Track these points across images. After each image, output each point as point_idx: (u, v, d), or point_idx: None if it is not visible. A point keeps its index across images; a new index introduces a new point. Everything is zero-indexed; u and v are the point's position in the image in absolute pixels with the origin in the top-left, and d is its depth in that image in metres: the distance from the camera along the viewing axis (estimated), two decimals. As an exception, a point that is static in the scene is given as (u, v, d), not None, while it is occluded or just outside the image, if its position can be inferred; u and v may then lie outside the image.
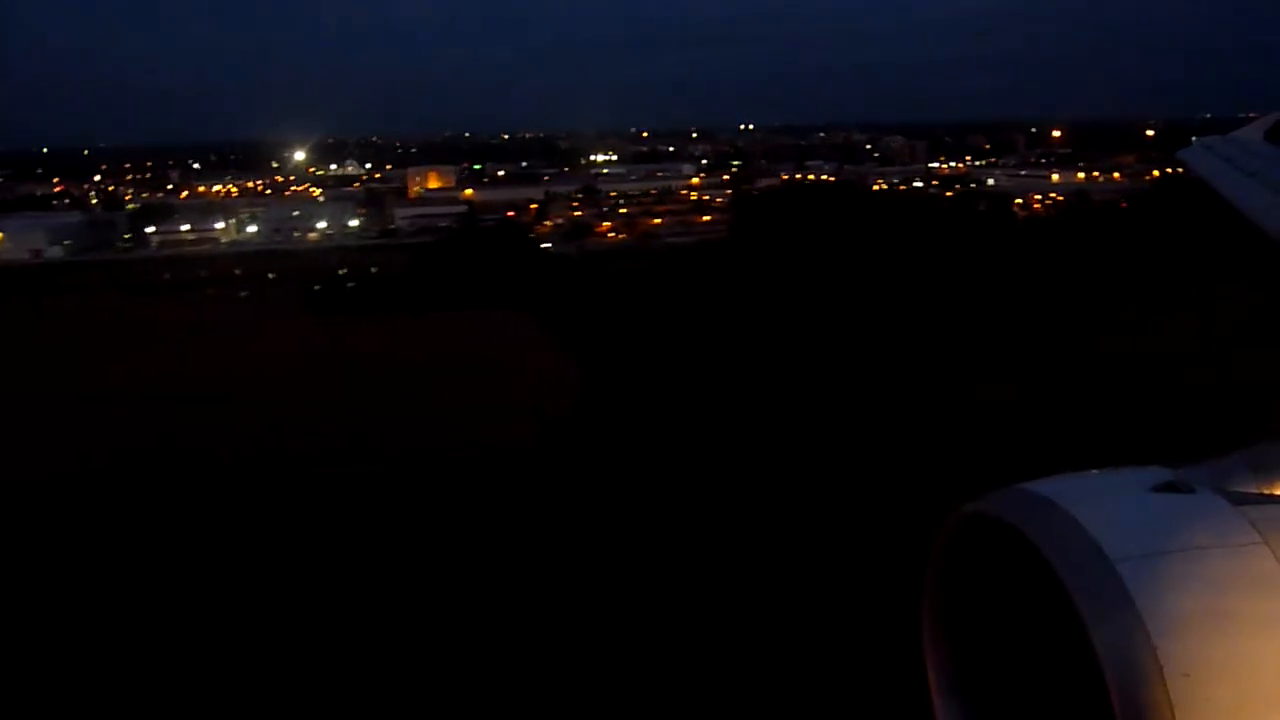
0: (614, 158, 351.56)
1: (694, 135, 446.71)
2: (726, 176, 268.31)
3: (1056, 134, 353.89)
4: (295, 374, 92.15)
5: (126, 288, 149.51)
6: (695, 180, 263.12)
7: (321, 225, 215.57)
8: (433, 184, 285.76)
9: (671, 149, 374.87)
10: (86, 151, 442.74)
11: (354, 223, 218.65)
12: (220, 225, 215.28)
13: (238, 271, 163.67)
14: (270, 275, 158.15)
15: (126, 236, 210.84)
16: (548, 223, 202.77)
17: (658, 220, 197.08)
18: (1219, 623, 3.68)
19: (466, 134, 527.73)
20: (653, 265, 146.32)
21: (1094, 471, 4.46)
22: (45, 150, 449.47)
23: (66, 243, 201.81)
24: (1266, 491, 4.24)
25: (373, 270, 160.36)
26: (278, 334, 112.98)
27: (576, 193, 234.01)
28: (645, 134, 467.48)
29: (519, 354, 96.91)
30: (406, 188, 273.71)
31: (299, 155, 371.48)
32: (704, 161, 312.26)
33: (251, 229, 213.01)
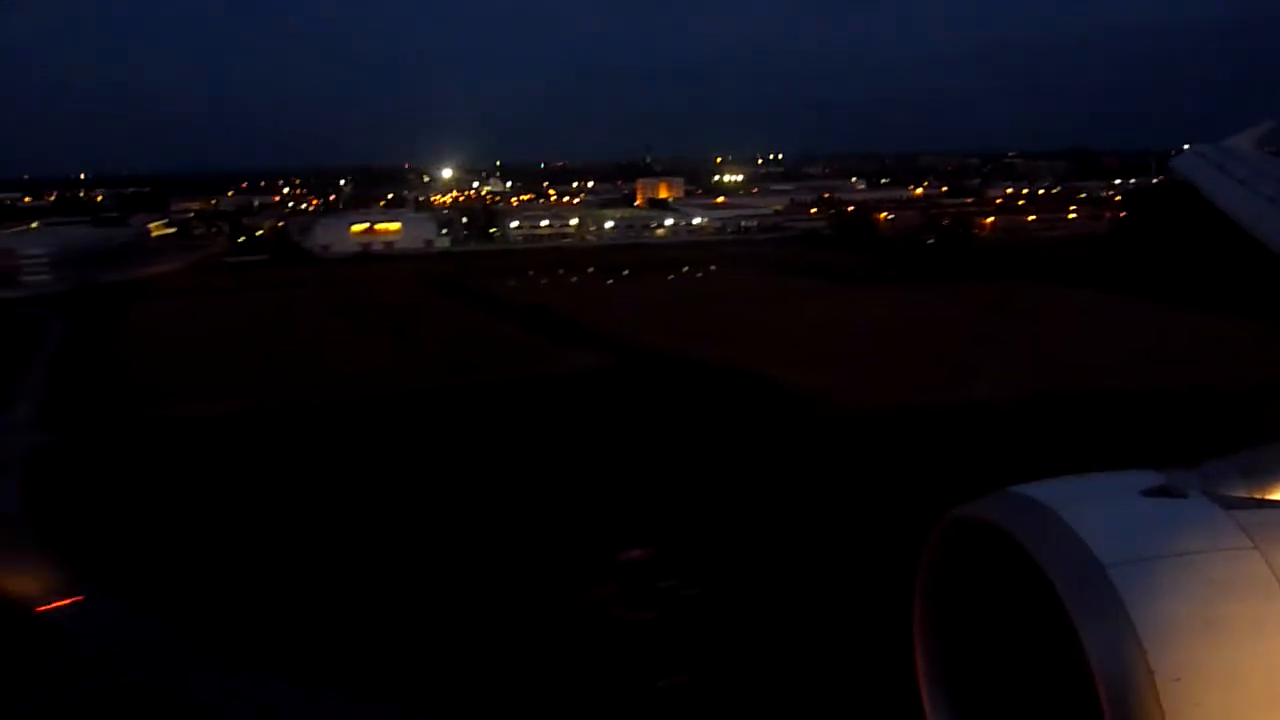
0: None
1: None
2: (945, 189, 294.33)
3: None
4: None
5: (591, 269, 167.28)
6: (918, 192, 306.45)
7: (669, 223, 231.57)
8: (663, 194, 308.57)
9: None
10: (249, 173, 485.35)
11: (697, 221, 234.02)
12: (574, 222, 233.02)
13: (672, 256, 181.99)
14: (710, 261, 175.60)
15: (493, 231, 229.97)
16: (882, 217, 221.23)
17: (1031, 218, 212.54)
18: (1210, 627, 3.64)
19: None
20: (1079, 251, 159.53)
21: (1086, 475, 4.41)
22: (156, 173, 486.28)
23: (444, 233, 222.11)
24: (1257, 496, 4.14)
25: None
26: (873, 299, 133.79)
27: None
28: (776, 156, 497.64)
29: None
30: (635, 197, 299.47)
31: (445, 174, 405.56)
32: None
33: (609, 225, 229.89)
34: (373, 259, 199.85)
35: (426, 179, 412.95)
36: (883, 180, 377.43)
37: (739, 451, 67.71)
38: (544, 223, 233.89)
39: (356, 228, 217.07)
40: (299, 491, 63.18)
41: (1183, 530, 3.92)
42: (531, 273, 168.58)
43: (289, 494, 62.86)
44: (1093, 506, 4.10)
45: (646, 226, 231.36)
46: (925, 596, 4.54)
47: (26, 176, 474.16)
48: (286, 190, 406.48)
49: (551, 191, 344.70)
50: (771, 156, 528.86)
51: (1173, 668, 3.57)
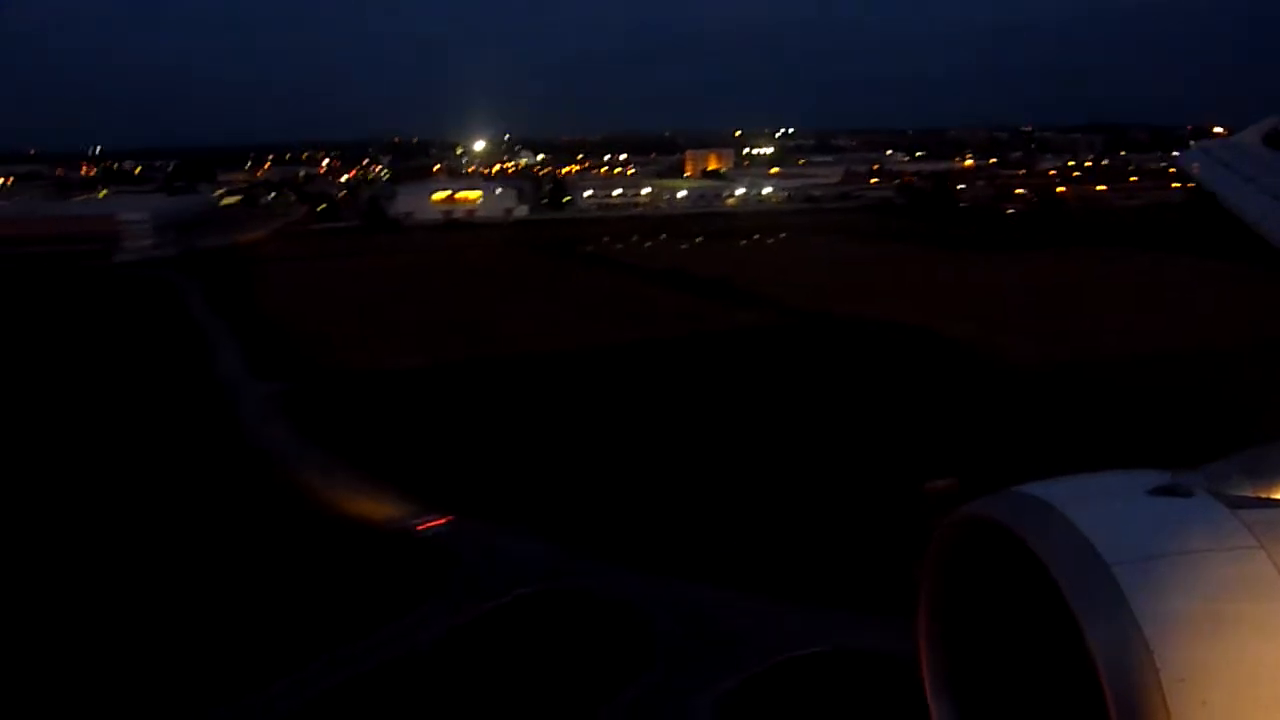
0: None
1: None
2: (993, 160, 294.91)
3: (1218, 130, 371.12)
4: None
5: (693, 235, 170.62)
6: (967, 164, 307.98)
7: (740, 192, 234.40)
8: (712, 165, 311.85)
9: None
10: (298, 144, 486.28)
11: (766, 190, 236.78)
12: (646, 191, 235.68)
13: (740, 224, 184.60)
14: (804, 228, 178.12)
15: (566, 200, 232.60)
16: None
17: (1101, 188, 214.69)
18: (1215, 626, 3.67)
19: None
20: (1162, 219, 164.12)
21: (1090, 474, 4.45)
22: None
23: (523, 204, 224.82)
24: (1263, 495, 4.18)
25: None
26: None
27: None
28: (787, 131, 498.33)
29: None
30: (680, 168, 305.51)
31: (477, 147, 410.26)
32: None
33: (681, 194, 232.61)
34: (461, 226, 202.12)
35: (459, 152, 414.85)
36: (917, 154, 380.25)
37: (955, 394, 71.74)
38: (616, 192, 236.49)
39: (438, 196, 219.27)
40: (569, 429, 67.00)
41: (1188, 529, 3.93)
42: (634, 238, 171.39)
43: (554, 433, 66.38)
44: (1098, 505, 4.13)
45: (718, 196, 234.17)
46: (930, 595, 4.56)
47: (33, 150, 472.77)
48: (326, 162, 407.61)
49: (601, 165, 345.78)
50: (783, 131, 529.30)
51: (1178, 667, 3.57)
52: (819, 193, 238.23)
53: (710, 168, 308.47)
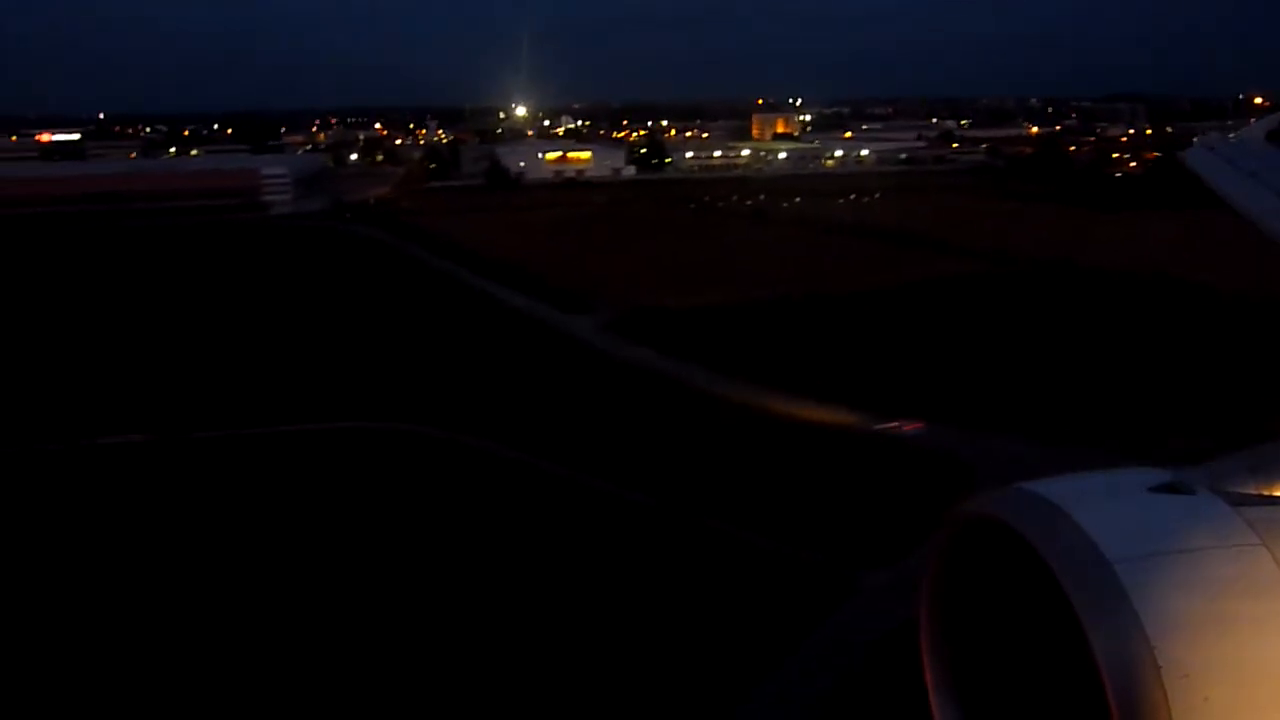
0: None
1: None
2: (1035, 130, 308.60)
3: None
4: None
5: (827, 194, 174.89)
6: (1033, 131, 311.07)
7: (839, 154, 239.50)
8: (780, 129, 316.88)
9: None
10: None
11: (864, 153, 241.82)
12: (746, 153, 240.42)
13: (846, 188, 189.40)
14: (929, 188, 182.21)
15: (668, 160, 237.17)
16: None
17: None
18: (1217, 624, 3.67)
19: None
20: None
21: (1093, 472, 4.45)
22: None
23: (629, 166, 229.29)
24: (1265, 493, 4.23)
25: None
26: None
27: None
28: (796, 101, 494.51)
29: None
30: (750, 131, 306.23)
31: (519, 112, 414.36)
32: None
33: (782, 156, 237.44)
34: (580, 184, 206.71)
35: (503, 116, 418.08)
36: (962, 121, 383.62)
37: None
38: (717, 154, 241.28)
39: (550, 156, 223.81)
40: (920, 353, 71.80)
41: (1190, 527, 3.92)
42: (762, 196, 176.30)
43: (910, 358, 70.95)
44: (1100, 503, 4.12)
45: (817, 158, 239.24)
46: (933, 594, 4.58)
47: (102, 115, 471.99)
48: (378, 126, 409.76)
49: (670, 129, 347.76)
50: (793, 100, 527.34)
51: (1180, 664, 3.56)
52: (905, 155, 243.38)
53: (779, 131, 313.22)
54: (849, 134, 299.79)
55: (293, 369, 72.43)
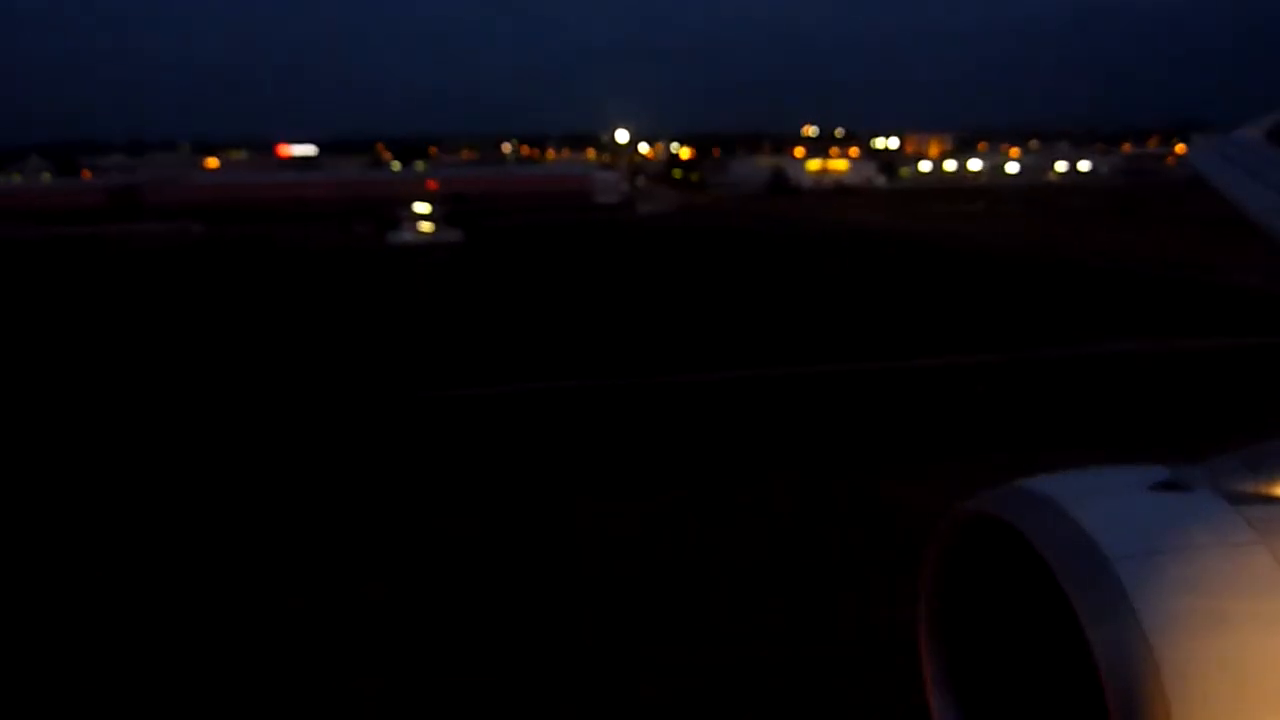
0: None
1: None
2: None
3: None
4: None
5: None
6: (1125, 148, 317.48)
7: (1061, 167, 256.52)
8: (935, 150, 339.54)
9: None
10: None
11: (1085, 165, 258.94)
12: (978, 165, 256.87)
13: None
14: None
15: (904, 172, 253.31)
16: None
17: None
18: (1217, 623, 3.59)
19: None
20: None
21: (1092, 469, 4.39)
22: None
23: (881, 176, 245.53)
24: (1266, 491, 4.11)
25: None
26: None
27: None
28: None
29: None
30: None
31: (620, 138, 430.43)
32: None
33: (1012, 168, 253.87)
34: (849, 191, 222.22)
35: (604, 143, 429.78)
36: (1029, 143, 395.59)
37: None
38: (950, 165, 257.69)
39: (812, 165, 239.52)
40: None
41: (1190, 525, 3.82)
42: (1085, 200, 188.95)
43: None
44: (1098, 500, 4.03)
45: (1043, 170, 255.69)
46: (931, 593, 4.49)
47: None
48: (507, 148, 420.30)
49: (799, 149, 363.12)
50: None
51: (1179, 663, 3.46)
52: (1128, 168, 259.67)
53: (935, 152, 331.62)
54: (1016, 150, 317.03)
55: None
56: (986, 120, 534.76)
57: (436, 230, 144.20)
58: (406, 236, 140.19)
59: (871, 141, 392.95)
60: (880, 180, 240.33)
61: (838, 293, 77.04)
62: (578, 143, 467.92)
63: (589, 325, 64.24)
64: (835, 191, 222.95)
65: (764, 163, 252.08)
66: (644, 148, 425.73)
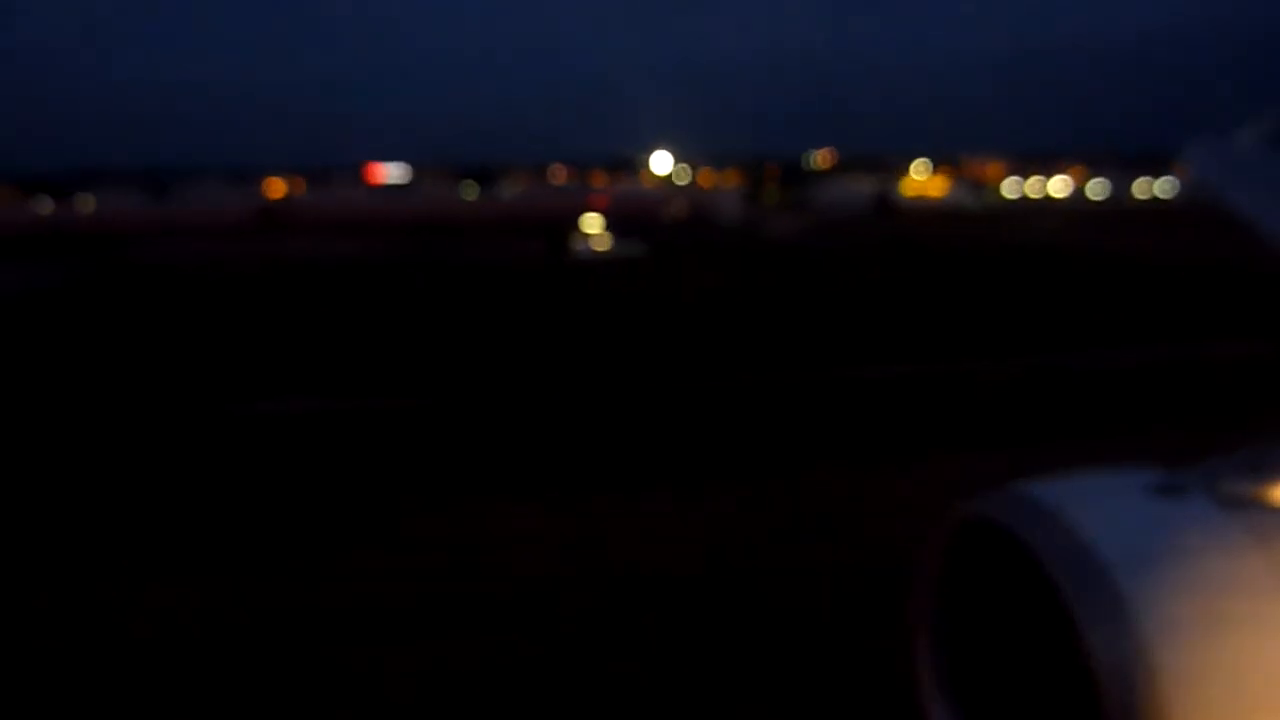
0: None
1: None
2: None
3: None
4: None
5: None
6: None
7: (1140, 190, 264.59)
8: (991, 175, 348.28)
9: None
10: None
11: (1161, 188, 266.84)
12: (1061, 188, 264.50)
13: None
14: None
15: (993, 195, 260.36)
16: None
17: None
18: (1214, 627, 3.96)
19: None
20: None
21: (1089, 472, 5.17)
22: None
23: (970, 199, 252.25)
24: (1264, 494, 4.61)
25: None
26: None
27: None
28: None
29: None
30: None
31: (667, 164, 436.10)
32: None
33: (1095, 189, 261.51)
34: (954, 214, 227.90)
35: (648, 167, 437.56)
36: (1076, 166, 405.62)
37: None
38: (1029, 184, 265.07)
39: (911, 186, 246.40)
40: None
41: (1186, 529, 3.79)
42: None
43: None
44: (1095, 504, 4.03)
45: (1123, 192, 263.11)
46: (925, 597, 5.00)
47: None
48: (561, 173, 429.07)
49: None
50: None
51: (1176, 668, 3.65)
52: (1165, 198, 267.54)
53: (994, 175, 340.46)
54: (1066, 175, 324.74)
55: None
56: (1034, 142, 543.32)
57: (613, 246, 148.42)
58: (587, 251, 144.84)
59: (947, 165, 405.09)
60: (969, 202, 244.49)
61: (1090, 303, 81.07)
62: (622, 166, 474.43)
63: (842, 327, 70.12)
64: (938, 214, 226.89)
65: (855, 185, 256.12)
66: (686, 170, 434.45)
